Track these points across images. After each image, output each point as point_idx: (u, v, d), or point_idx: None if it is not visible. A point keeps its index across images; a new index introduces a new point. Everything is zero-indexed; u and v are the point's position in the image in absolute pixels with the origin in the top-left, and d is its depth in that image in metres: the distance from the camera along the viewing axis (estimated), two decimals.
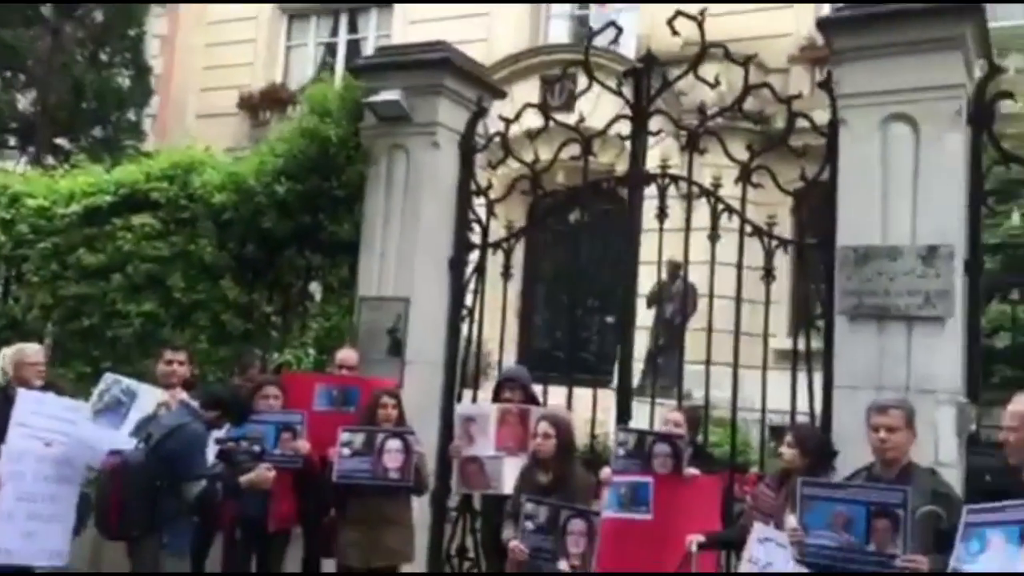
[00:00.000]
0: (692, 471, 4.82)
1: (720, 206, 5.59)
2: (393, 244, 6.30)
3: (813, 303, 5.54)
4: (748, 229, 5.50)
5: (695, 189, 5.73)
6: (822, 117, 5.34)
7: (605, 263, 6.31)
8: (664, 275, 9.44)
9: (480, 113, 6.50)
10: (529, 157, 6.28)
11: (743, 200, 5.53)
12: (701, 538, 4.57)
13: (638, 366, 9.93)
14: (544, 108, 6.55)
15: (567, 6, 14.96)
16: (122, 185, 7.41)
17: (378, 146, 6.45)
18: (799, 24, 12.46)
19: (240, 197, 6.83)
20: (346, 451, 5.12)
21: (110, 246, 7.22)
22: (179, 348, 5.76)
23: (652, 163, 5.95)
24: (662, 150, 6.27)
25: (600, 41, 6.91)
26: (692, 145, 5.77)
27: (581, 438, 5.82)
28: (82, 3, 14.35)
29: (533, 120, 6.36)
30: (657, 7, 6.32)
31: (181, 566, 4.57)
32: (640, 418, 5.91)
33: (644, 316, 10.61)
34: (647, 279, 7.14)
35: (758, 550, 4.27)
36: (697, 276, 6.34)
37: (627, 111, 5.96)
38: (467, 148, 6.47)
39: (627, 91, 6.00)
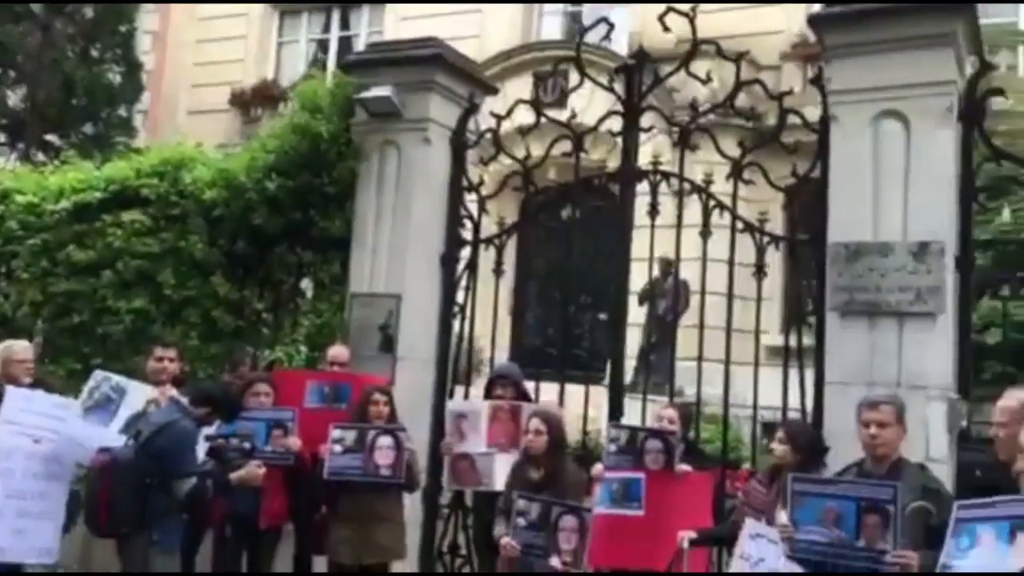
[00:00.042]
0: (684, 467, 4.83)
1: (711, 202, 5.59)
2: (384, 240, 6.29)
3: (805, 299, 5.54)
4: (739, 225, 5.51)
5: (687, 185, 5.73)
6: (814, 114, 5.35)
7: (597, 260, 6.30)
8: (656, 272, 9.50)
9: (472, 109, 6.49)
10: (521, 153, 6.27)
11: (734, 196, 5.53)
12: (693, 534, 4.57)
13: (631, 363, 9.98)
14: (536, 104, 6.54)
15: (559, 3, 14.95)
16: (112, 181, 7.38)
17: (369, 142, 6.43)
18: (791, 21, 12.49)
19: (231, 193, 6.81)
20: (337, 448, 5.11)
21: (100, 243, 7.19)
22: (169, 345, 5.74)
23: (644, 160, 5.95)
24: (654, 147, 6.27)
25: (592, 37, 6.91)
26: (683, 141, 5.77)
27: (574, 435, 5.83)
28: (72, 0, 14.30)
29: (525, 116, 6.35)
30: (650, 4, 6.31)
31: (171, 563, 4.55)
32: (632, 415, 5.91)
33: (637, 313, 10.65)
34: (639, 276, 7.14)
35: (749, 546, 4.27)
36: (689, 272, 6.33)
37: (619, 107, 5.96)
38: (459, 144, 6.46)
39: (619, 87, 6.00)
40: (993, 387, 3.84)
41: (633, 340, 10.16)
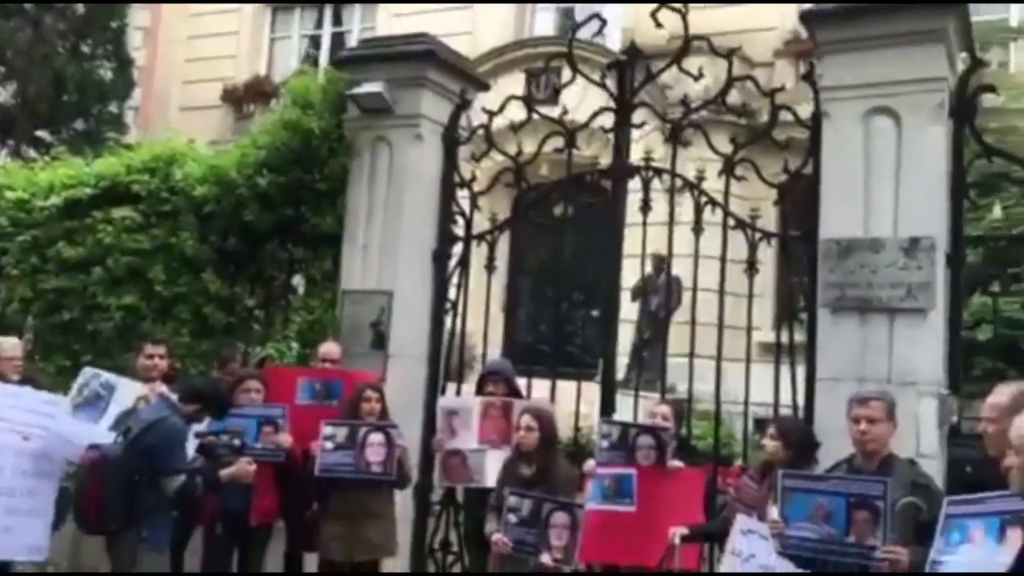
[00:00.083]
0: (676, 463, 4.83)
1: (703, 199, 5.59)
2: (376, 237, 6.28)
3: (796, 296, 5.55)
4: (731, 222, 5.51)
5: (679, 182, 5.72)
6: (806, 111, 5.34)
7: (589, 256, 6.29)
8: (649, 268, 9.50)
9: (463, 105, 6.48)
10: (513, 150, 6.26)
11: (726, 193, 5.53)
12: (684, 530, 4.58)
13: (624, 360, 9.98)
14: (528, 100, 6.52)
15: (552, 1, 14.93)
16: (103, 178, 7.34)
17: (361, 138, 6.41)
18: (784, 18, 12.48)
19: (222, 190, 6.77)
20: (329, 445, 5.10)
21: (90, 239, 7.16)
22: (159, 342, 5.73)
23: (637, 156, 5.94)
24: (646, 143, 6.25)
25: (584, 34, 6.90)
26: (675, 138, 5.77)
27: (566, 431, 5.83)
28: None
29: (517, 113, 6.34)
30: (643, 2, 6.30)
31: (160, 560, 4.54)
32: (624, 411, 5.91)
33: (630, 309, 10.65)
34: (631, 272, 7.13)
35: (741, 542, 4.28)
36: (681, 269, 6.34)
37: (611, 104, 5.95)
38: (450, 140, 6.45)
39: (612, 84, 5.99)
40: (984, 383, 3.83)
41: (626, 337, 10.20)
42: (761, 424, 5.27)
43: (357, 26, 16.28)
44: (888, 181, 4.93)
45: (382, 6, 15.67)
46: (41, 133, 14.25)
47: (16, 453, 4.95)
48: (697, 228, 5.54)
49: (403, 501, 5.61)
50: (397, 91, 6.25)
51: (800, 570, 3.91)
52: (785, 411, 5.09)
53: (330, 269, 6.53)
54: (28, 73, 13.89)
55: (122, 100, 15.11)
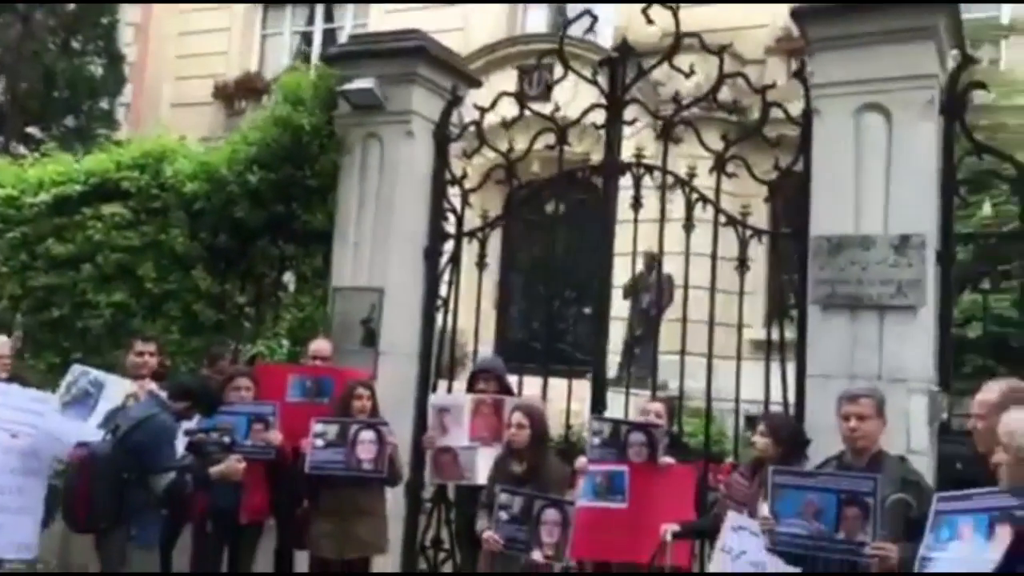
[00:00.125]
0: (667, 460, 4.84)
1: (695, 196, 5.59)
2: (367, 234, 6.26)
3: (787, 293, 5.55)
4: (722, 219, 5.51)
5: (670, 179, 5.72)
6: (798, 108, 5.34)
7: (581, 253, 6.29)
8: (641, 266, 9.49)
9: (455, 102, 6.46)
10: (505, 147, 6.25)
11: (717, 190, 5.53)
12: (675, 527, 4.58)
13: (616, 357, 9.98)
14: (520, 97, 6.52)
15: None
16: (92, 174, 7.31)
17: (352, 135, 6.40)
18: (776, 15, 12.47)
19: (212, 186, 6.75)
20: (319, 442, 5.09)
21: (80, 236, 7.13)
22: (149, 339, 5.70)
23: (628, 153, 5.93)
24: (638, 140, 6.25)
25: (576, 30, 6.89)
26: (666, 134, 5.77)
27: (558, 428, 5.83)
28: None
29: (509, 110, 6.33)
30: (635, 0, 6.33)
31: (149, 559, 4.52)
32: (616, 409, 5.91)
33: (623, 307, 10.64)
34: (623, 270, 7.12)
35: (731, 538, 4.28)
36: (673, 266, 6.33)
37: (602, 100, 5.94)
38: (442, 137, 6.43)
39: (603, 81, 5.99)
40: (974, 380, 3.85)
41: (618, 334, 10.19)
42: (752, 421, 5.27)
43: (349, 22, 16.25)
44: (878, 178, 4.93)
45: (374, 2, 15.63)
46: (31, 130, 14.21)
47: (5, 451, 4.93)
48: (688, 225, 5.53)
49: (394, 498, 5.60)
50: (388, 87, 6.23)
51: (790, 566, 3.92)
52: (776, 408, 5.09)
53: (321, 266, 6.51)
54: (18, 69, 13.84)
55: (113, 96, 15.07)
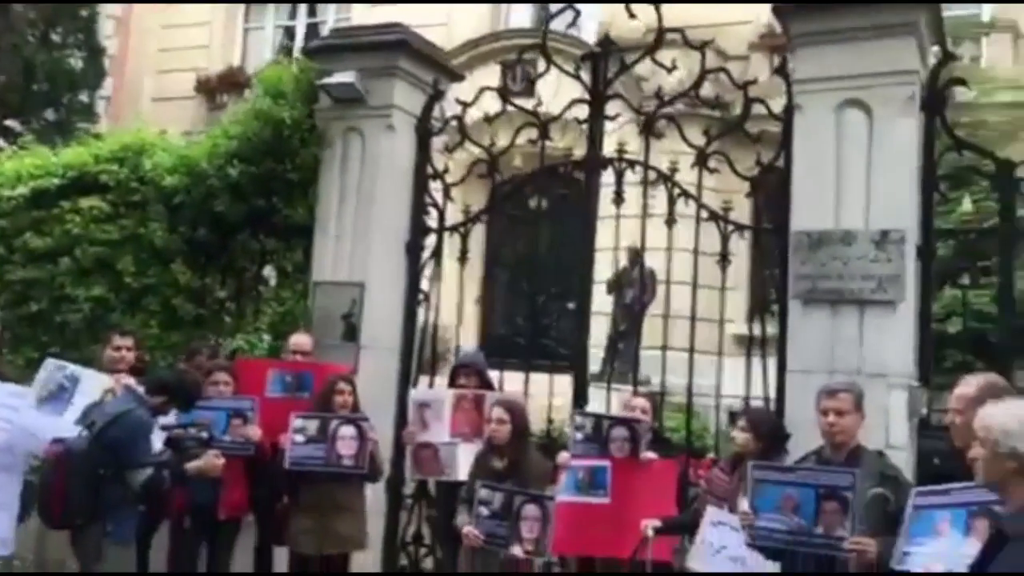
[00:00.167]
0: (649, 455, 4.83)
1: (677, 191, 5.59)
2: (348, 228, 6.23)
3: (769, 288, 5.56)
4: (704, 214, 5.51)
5: (652, 174, 5.72)
6: (781, 104, 5.34)
7: (564, 248, 6.28)
8: (624, 261, 9.51)
9: (437, 96, 6.43)
10: (487, 141, 6.22)
11: (699, 185, 5.53)
12: (657, 523, 4.57)
13: (600, 352, 9.98)
14: (502, 92, 6.49)
15: None
16: (71, 167, 7.25)
17: (333, 128, 6.36)
18: (759, 12, 12.50)
19: (192, 180, 6.70)
20: (299, 438, 5.06)
21: (58, 229, 7.06)
22: (127, 333, 5.65)
23: (611, 148, 5.92)
24: (620, 135, 6.24)
25: (559, 25, 6.87)
26: (648, 129, 5.76)
27: (539, 424, 5.82)
28: None
29: (492, 104, 6.30)
30: None
31: (125, 555, 4.47)
32: (599, 404, 5.91)
33: (607, 302, 10.65)
34: (606, 265, 7.12)
35: (711, 534, 4.30)
36: (656, 261, 6.35)
37: (585, 95, 5.93)
38: (424, 131, 6.40)
39: (587, 76, 5.97)
40: (954, 375, 3.85)
41: (602, 330, 10.20)
42: (734, 416, 5.27)
43: (332, 17, 16.16)
44: (859, 173, 4.94)
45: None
46: (11, 123, 14.04)
47: None
48: (670, 220, 5.53)
49: (375, 494, 5.58)
50: (369, 81, 6.20)
51: (769, 561, 3.93)
52: (757, 403, 5.09)
53: (302, 260, 6.48)
54: None
55: (93, 90, 14.94)
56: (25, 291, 7.14)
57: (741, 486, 4.13)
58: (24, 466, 4.94)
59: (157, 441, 4.58)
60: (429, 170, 6.41)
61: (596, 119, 5.89)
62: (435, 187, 6.42)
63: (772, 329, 5.27)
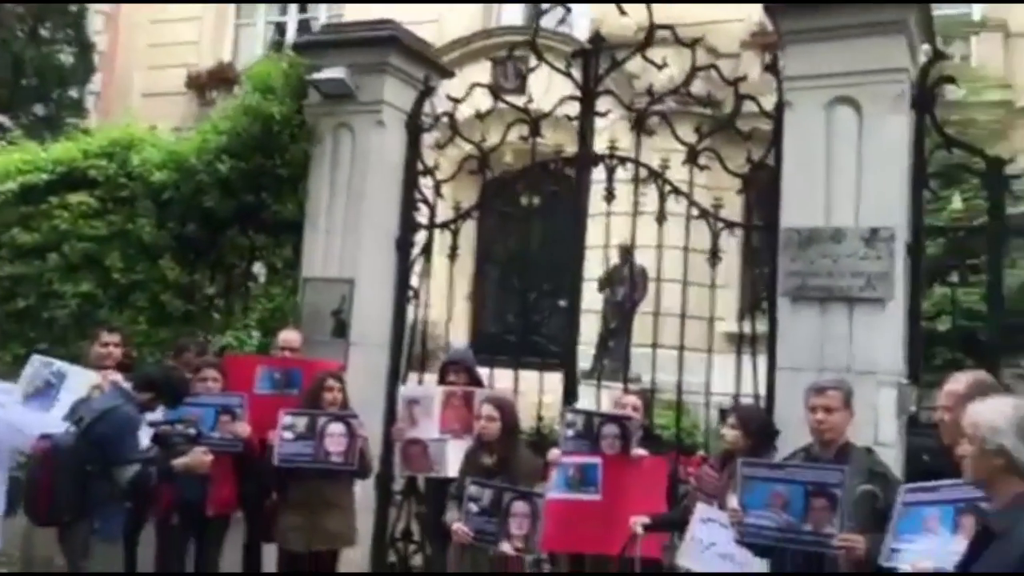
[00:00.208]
0: (640, 451, 4.83)
1: (667, 188, 5.58)
2: (338, 224, 6.21)
3: (759, 286, 5.56)
4: (695, 211, 5.50)
5: (643, 171, 5.71)
6: (772, 102, 5.33)
7: (555, 245, 6.28)
8: (616, 258, 9.50)
9: (427, 92, 6.41)
10: (478, 138, 6.21)
11: (690, 182, 5.52)
12: (646, 519, 4.58)
13: (591, 350, 9.97)
14: (493, 88, 6.48)
15: None
16: (59, 163, 7.22)
17: (323, 124, 6.34)
18: (751, 10, 12.50)
19: (181, 175, 6.67)
20: (288, 435, 5.04)
21: (46, 225, 7.03)
22: (115, 329, 5.63)
23: (603, 146, 5.91)
24: (613, 133, 6.24)
25: (551, 23, 6.86)
26: (639, 126, 5.75)
27: (529, 421, 5.81)
28: None
29: (483, 101, 6.29)
30: None
31: (112, 552, 4.45)
32: (589, 401, 5.90)
33: (599, 299, 10.64)
34: (596, 262, 7.11)
35: (701, 530, 4.30)
36: (647, 259, 6.34)
37: (576, 92, 5.92)
38: (414, 127, 6.38)
39: (577, 73, 5.96)
40: (943, 373, 3.85)
41: (593, 327, 10.19)
42: (725, 414, 5.28)
43: (324, 13, 16.10)
44: (849, 171, 4.95)
45: None
46: (0, 118, 13.96)
47: None
48: (660, 217, 5.53)
49: (364, 491, 5.56)
50: (359, 77, 6.18)
51: (758, 558, 3.93)
52: (747, 401, 5.10)
53: (291, 256, 6.46)
54: None
55: (82, 85, 14.85)
56: (13, 287, 7.12)
57: (731, 483, 4.13)
58: (10, 462, 4.93)
59: (144, 438, 4.57)
60: (419, 166, 6.39)
61: (587, 116, 5.88)
62: (425, 183, 6.40)
63: (762, 327, 5.27)
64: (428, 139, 6.55)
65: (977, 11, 12.59)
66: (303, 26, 16.06)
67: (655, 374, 5.55)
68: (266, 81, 6.59)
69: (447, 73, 6.81)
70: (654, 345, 5.48)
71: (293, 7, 16.58)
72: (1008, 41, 12.27)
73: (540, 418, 6.03)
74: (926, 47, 5.33)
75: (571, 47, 7.79)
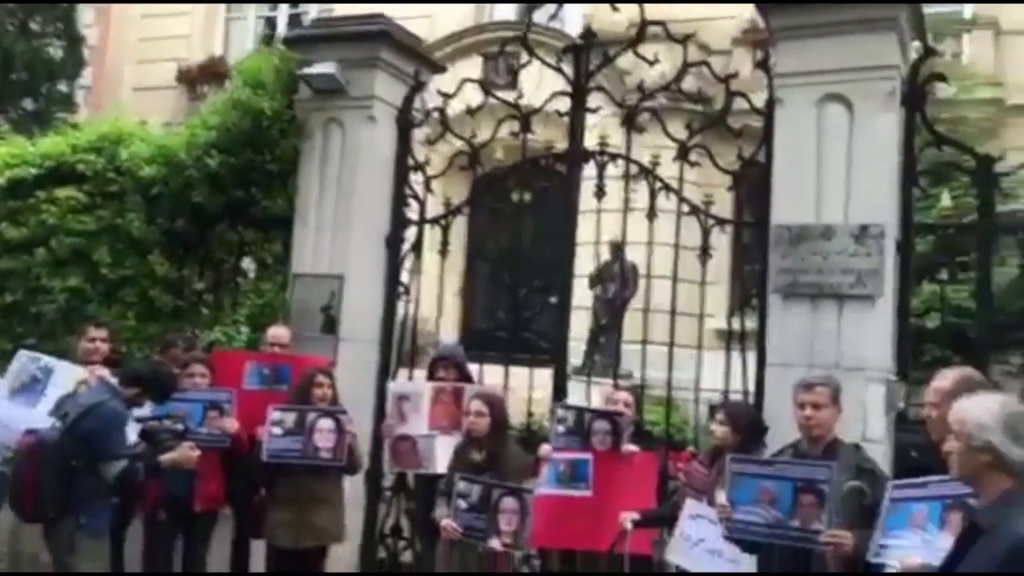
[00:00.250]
0: (630, 447, 4.83)
1: (658, 184, 5.58)
2: (328, 220, 6.18)
3: (749, 282, 5.56)
4: (685, 208, 5.50)
5: (633, 167, 5.70)
6: (763, 99, 5.33)
7: (546, 242, 6.27)
8: (607, 254, 9.49)
9: (418, 87, 6.39)
10: (468, 134, 6.19)
11: (680, 179, 5.52)
12: (635, 515, 4.57)
13: (582, 346, 9.97)
14: (484, 84, 6.46)
15: None
16: (48, 157, 7.16)
17: (313, 119, 6.31)
18: (743, 7, 12.50)
19: (170, 170, 6.63)
20: (277, 430, 5.02)
21: (34, 220, 6.97)
22: (102, 325, 5.61)
23: (594, 142, 5.90)
24: (604, 129, 6.23)
25: (542, 18, 6.85)
26: (630, 122, 5.74)
27: (520, 417, 5.80)
28: None
29: (474, 97, 6.27)
30: None
31: (98, 548, 4.43)
32: (579, 397, 5.90)
33: (589, 296, 10.64)
34: (587, 258, 7.10)
35: (690, 526, 4.30)
36: (638, 255, 6.34)
37: (567, 88, 5.90)
38: (405, 123, 6.36)
39: (568, 69, 5.95)
40: (932, 370, 3.86)
41: (584, 323, 10.19)
42: (714, 410, 5.28)
43: (315, 7, 16.03)
44: (840, 168, 4.95)
45: None
46: None
47: None
48: (651, 214, 5.52)
49: (354, 487, 5.55)
50: (350, 72, 6.15)
51: (747, 554, 3.93)
52: (736, 397, 5.10)
53: (281, 252, 6.43)
54: None
55: (72, 79, 14.77)
56: (0, 282, 7.06)
57: (719, 479, 4.13)
58: None
59: (132, 433, 4.54)
60: (410, 162, 6.36)
61: (578, 112, 5.87)
62: (416, 179, 6.37)
63: (752, 323, 5.28)
64: (419, 135, 6.53)
65: (968, 9, 12.61)
66: (294, 20, 15.99)
67: (645, 370, 5.54)
68: (256, 76, 6.55)
69: (438, 68, 6.79)
70: (644, 341, 5.47)
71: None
72: (999, 39, 12.31)
73: (530, 414, 6.02)
74: (917, 44, 5.34)
75: (562, 43, 7.77)
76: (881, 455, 4.41)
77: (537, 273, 7.90)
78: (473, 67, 11.16)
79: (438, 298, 6.24)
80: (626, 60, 6.03)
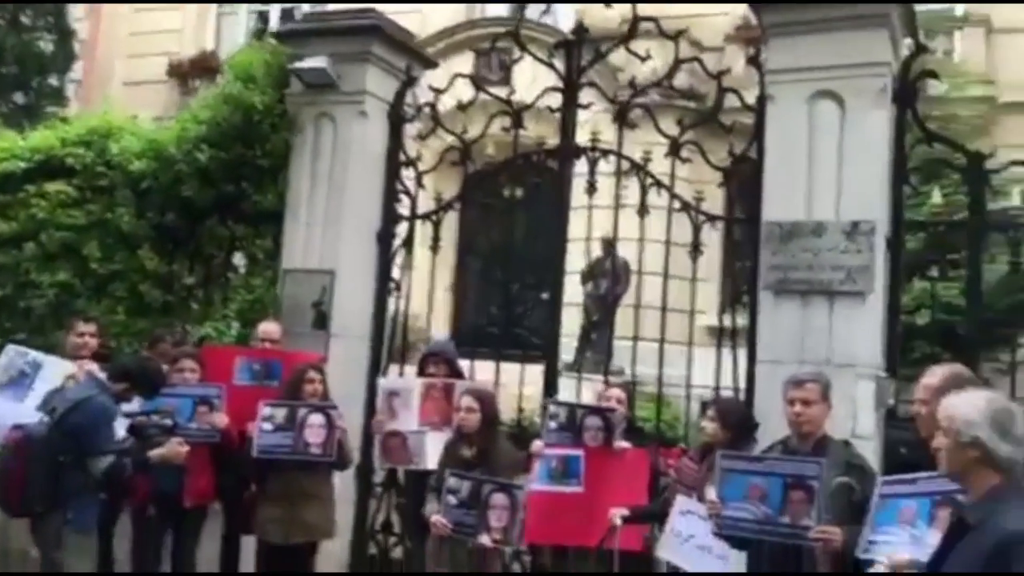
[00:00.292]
0: (622, 444, 4.84)
1: (649, 180, 5.57)
2: (319, 215, 6.17)
3: (740, 279, 5.57)
4: (676, 204, 5.50)
5: (625, 163, 5.70)
6: (755, 95, 5.33)
7: (538, 238, 6.27)
8: (599, 251, 9.50)
9: (409, 82, 6.38)
10: (460, 129, 6.18)
11: (672, 175, 5.52)
12: (625, 512, 4.58)
13: (573, 342, 9.97)
14: (475, 79, 6.45)
15: None
16: (37, 151, 7.13)
17: (304, 114, 6.29)
18: (735, 4, 12.51)
19: (160, 165, 6.60)
20: (267, 426, 5.01)
21: (23, 214, 6.94)
22: (91, 319, 5.58)
23: (586, 138, 5.90)
24: (596, 125, 6.22)
25: (534, 14, 6.83)
26: (622, 118, 5.74)
27: (510, 413, 5.80)
28: None
29: (465, 92, 6.26)
30: None
31: (86, 543, 4.42)
32: (570, 394, 5.90)
33: (580, 292, 10.64)
34: (578, 255, 7.10)
35: (680, 522, 4.31)
36: (629, 252, 6.34)
37: (558, 83, 5.90)
38: (396, 118, 6.35)
39: (560, 65, 5.94)
40: (922, 367, 3.88)
41: (575, 320, 10.19)
42: (705, 406, 5.29)
43: (306, 2, 15.97)
44: (831, 165, 4.95)
45: None
46: None
47: None
48: (642, 210, 5.52)
49: (344, 483, 5.54)
50: (341, 66, 6.13)
51: (736, 550, 3.94)
52: (727, 393, 5.10)
53: (271, 247, 6.40)
54: None
55: (63, 73, 14.73)
56: None
57: (709, 475, 4.14)
58: None
59: (120, 428, 4.52)
60: (401, 157, 6.35)
61: (569, 107, 5.86)
62: (407, 174, 6.36)
63: (742, 320, 5.28)
64: (410, 130, 6.51)
65: (960, 7, 12.64)
66: (286, 15, 15.91)
67: (636, 367, 5.54)
68: (248, 70, 6.52)
69: (430, 63, 6.77)
70: (635, 338, 5.47)
71: None
72: (990, 37, 12.34)
73: (521, 410, 6.01)
74: (908, 41, 5.35)
75: (555, 39, 7.76)
76: (871, 451, 4.41)
77: (528, 269, 7.90)
78: (465, 63, 11.14)
79: (429, 294, 6.23)
80: (618, 56, 6.03)
